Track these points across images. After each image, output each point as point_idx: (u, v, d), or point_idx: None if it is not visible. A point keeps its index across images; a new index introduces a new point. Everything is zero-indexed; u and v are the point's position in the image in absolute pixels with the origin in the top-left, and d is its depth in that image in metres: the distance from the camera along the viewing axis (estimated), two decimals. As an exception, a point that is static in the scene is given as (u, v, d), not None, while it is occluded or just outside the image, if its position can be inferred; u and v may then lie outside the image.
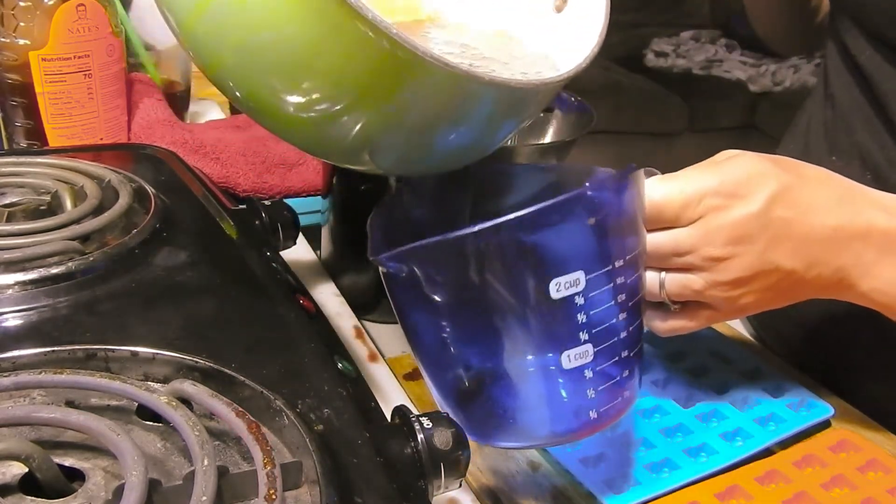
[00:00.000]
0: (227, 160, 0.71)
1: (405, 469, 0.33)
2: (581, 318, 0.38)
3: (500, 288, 0.38)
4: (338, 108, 0.37)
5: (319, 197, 0.69)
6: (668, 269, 0.46)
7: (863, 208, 0.46)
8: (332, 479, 0.29)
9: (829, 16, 0.70)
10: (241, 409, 0.31)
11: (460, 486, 0.36)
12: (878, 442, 0.53)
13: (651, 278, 0.46)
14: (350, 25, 0.33)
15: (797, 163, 0.47)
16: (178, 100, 0.85)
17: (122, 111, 0.72)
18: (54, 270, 0.38)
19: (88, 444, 0.30)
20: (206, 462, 0.27)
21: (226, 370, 0.33)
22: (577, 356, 0.39)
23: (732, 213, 0.43)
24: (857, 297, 0.47)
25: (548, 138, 0.80)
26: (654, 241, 0.44)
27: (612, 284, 0.39)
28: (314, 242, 0.68)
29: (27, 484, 0.28)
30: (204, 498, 0.26)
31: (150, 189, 0.48)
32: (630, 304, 0.41)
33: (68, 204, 0.45)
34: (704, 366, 0.57)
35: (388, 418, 0.36)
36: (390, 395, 0.52)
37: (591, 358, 0.39)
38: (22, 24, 0.62)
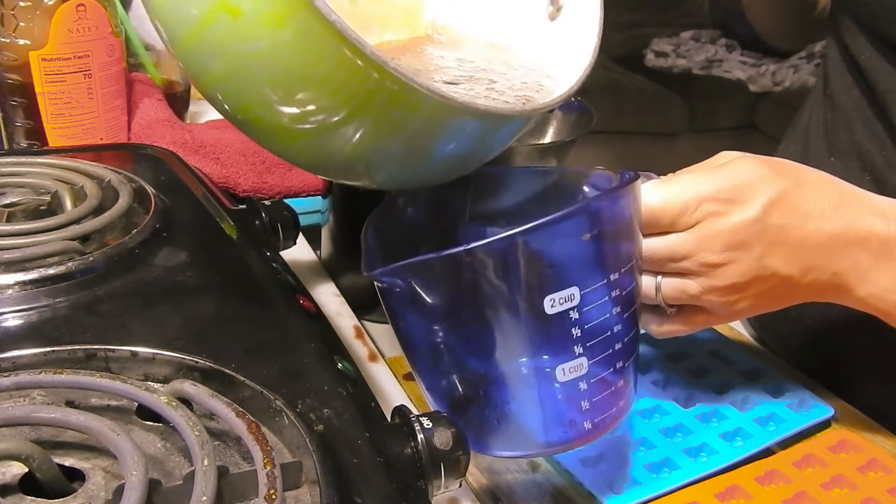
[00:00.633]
0: (227, 160, 0.71)
1: (405, 469, 0.33)
2: (576, 332, 0.38)
3: (493, 303, 0.38)
4: (329, 123, 0.37)
5: (319, 197, 0.69)
6: (664, 274, 0.46)
7: (861, 214, 0.45)
8: (332, 479, 0.29)
9: (830, 15, 0.70)
10: (241, 409, 0.31)
11: (460, 486, 0.36)
12: (878, 442, 0.53)
13: (647, 282, 0.46)
14: (339, 53, 0.33)
15: (796, 166, 0.47)
16: (178, 100, 0.85)
17: (122, 111, 0.72)
18: (54, 270, 0.38)
19: (88, 444, 0.30)
20: (206, 462, 0.27)
21: (226, 370, 0.33)
22: (571, 369, 0.39)
23: (730, 220, 0.43)
24: (854, 302, 0.47)
25: (548, 138, 0.80)
26: (651, 246, 0.44)
27: (607, 297, 0.39)
28: (314, 242, 0.68)
29: (27, 484, 0.28)
30: (204, 498, 0.26)
31: (150, 189, 0.48)
32: (625, 315, 0.41)
33: (68, 204, 0.45)
34: (704, 366, 0.57)
35: (388, 418, 0.36)
36: (390, 395, 0.52)
37: (586, 370, 0.39)
38: (22, 24, 0.62)
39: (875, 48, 0.61)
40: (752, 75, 3.06)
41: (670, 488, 0.46)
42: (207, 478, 0.27)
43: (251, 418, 0.30)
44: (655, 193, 0.44)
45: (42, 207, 0.45)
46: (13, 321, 0.36)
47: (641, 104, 2.85)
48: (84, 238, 0.42)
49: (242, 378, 0.33)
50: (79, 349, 0.34)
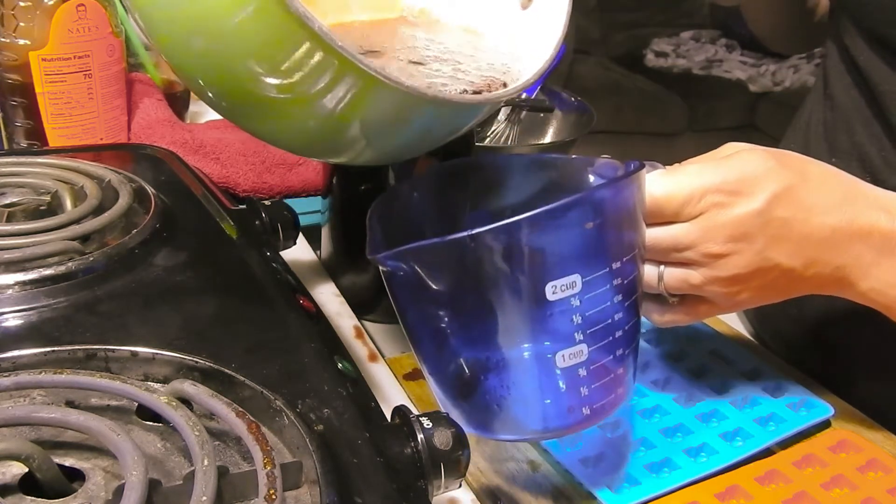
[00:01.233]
0: (227, 160, 0.71)
1: (405, 469, 0.33)
2: (576, 319, 0.39)
3: (496, 289, 0.38)
4: (291, 101, 0.37)
5: (319, 197, 0.69)
6: (667, 263, 0.46)
7: (865, 208, 0.46)
8: (332, 479, 0.29)
9: (829, 16, 0.70)
10: (241, 409, 0.31)
11: (460, 486, 0.36)
12: (878, 442, 0.53)
13: (650, 271, 0.46)
14: (292, 30, 0.34)
15: (802, 159, 0.47)
16: (178, 100, 0.85)
17: (122, 111, 0.72)
18: (54, 270, 0.38)
19: (88, 444, 0.30)
20: (206, 462, 0.27)
21: (226, 370, 0.33)
22: (571, 356, 0.39)
23: (734, 211, 0.43)
24: (856, 296, 0.47)
25: (548, 138, 0.80)
26: (654, 235, 0.44)
27: (608, 286, 0.39)
28: (314, 242, 0.68)
29: (27, 484, 0.28)
30: (204, 498, 0.26)
31: (150, 189, 0.48)
32: (626, 303, 0.41)
33: (68, 204, 0.45)
34: (704, 366, 0.57)
35: (388, 418, 0.36)
36: (390, 395, 0.52)
37: (586, 357, 0.40)
38: (22, 24, 0.62)
39: (874, 49, 0.61)
40: (752, 75, 3.07)
41: (670, 488, 0.46)
42: (207, 478, 0.27)
43: (251, 418, 0.30)
44: (660, 183, 0.44)
45: (42, 207, 0.45)
46: (13, 321, 0.36)
47: (641, 104, 2.86)
48: (84, 238, 0.42)
49: (242, 378, 0.33)
50: (79, 349, 0.34)
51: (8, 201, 0.45)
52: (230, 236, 0.47)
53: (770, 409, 0.53)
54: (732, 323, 0.67)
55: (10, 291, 0.37)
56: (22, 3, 0.62)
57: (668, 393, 0.54)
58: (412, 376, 0.56)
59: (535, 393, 0.41)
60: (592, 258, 0.39)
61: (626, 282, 0.40)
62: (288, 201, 0.57)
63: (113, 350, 0.34)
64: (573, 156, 0.51)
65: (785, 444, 0.51)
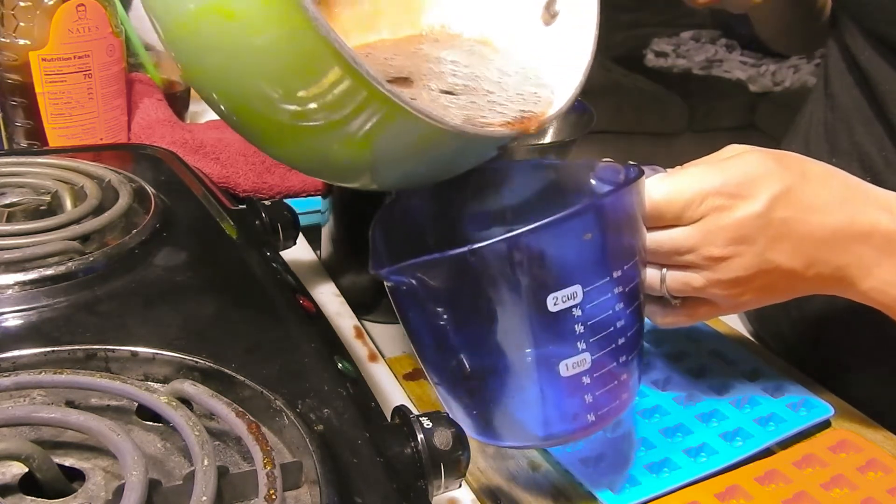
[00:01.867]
0: (227, 160, 0.71)
1: (405, 469, 0.33)
2: (579, 328, 0.39)
3: (497, 301, 0.39)
4: (318, 130, 0.37)
5: (319, 197, 0.69)
6: (669, 266, 0.46)
7: (866, 208, 0.46)
8: (332, 479, 0.29)
9: (831, 15, 0.70)
10: (241, 409, 0.31)
11: (460, 486, 0.36)
12: (878, 442, 0.53)
13: (652, 274, 0.46)
14: (333, 69, 0.33)
15: (802, 160, 0.47)
16: (178, 100, 0.85)
17: (122, 111, 0.72)
18: (54, 270, 0.38)
19: (88, 444, 0.30)
20: (206, 462, 0.27)
21: (226, 370, 0.33)
22: (574, 364, 0.39)
23: (734, 214, 0.43)
24: (857, 295, 0.48)
25: (548, 138, 0.80)
26: (656, 239, 0.45)
27: (610, 294, 0.39)
28: (314, 242, 0.68)
29: (27, 484, 0.28)
30: (204, 498, 0.26)
31: (150, 189, 0.48)
32: (629, 310, 0.41)
33: (68, 204, 0.45)
34: (704, 366, 0.57)
35: (388, 418, 0.36)
36: (390, 395, 0.52)
37: (589, 365, 0.40)
38: (22, 24, 0.62)
39: (874, 48, 0.61)
40: (752, 75, 3.07)
41: (670, 488, 0.46)
42: (207, 478, 0.27)
43: (251, 418, 0.30)
44: (660, 188, 0.44)
45: (42, 207, 0.45)
46: (13, 321, 0.36)
47: (641, 104, 2.85)
48: (84, 238, 0.42)
49: (242, 378, 0.33)
50: (79, 349, 0.34)
51: (8, 201, 0.45)
52: (230, 236, 0.47)
53: (770, 409, 0.53)
54: (732, 323, 0.67)
55: (10, 291, 0.37)
56: (22, 3, 0.62)
57: (668, 393, 0.54)
58: (412, 376, 0.56)
59: (540, 401, 0.41)
60: (593, 268, 0.39)
61: (627, 289, 0.40)
62: (288, 201, 0.57)
63: (113, 350, 0.34)
64: (575, 160, 0.51)
65: (785, 444, 0.51)
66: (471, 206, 0.50)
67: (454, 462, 0.34)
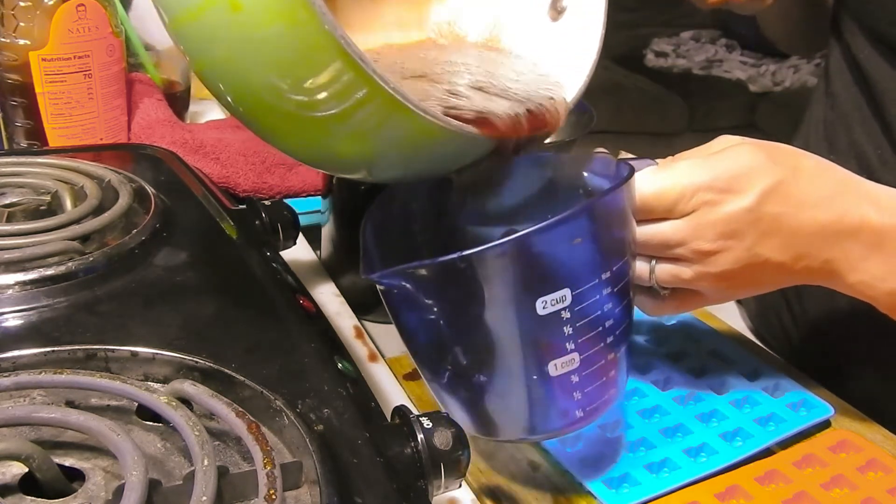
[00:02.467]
0: (227, 160, 0.71)
1: (405, 469, 0.33)
2: (567, 330, 0.39)
3: (487, 305, 0.39)
4: (322, 126, 0.37)
5: (319, 197, 0.69)
6: (658, 258, 0.46)
7: (857, 203, 0.46)
8: (332, 479, 0.29)
9: (832, 13, 0.70)
10: (241, 409, 0.31)
11: (460, 486, 0.36)
12: (878, 442, 0.53)
13: (641, 266, 0.46)
14: (340, 67, 0.33)
15: (794, 153, 0.47)
16: (178, 100, 0.85)
17: (122, 111, 0.72)
18: (54, 270, 0.38)
19: (88, 444, 0.30)
20: (206, 462, 0.27)
21: (226, 370, 0.33)
22: (563, 364, 0.40)
23: (724, 208, 0.44)
24: (845, 288, 0.48)
25: (548, 138, 0.80)
26: (646, 233, 0.45)
27: (598, 296, 0.40)
28: (314, 242, 0.68)
29: (27, 484, 0.28)
30: (204, 498, 0.26)
31: (150, 189, 0.48)
32: (617, 309, 0.41)
33: (68, 204, 0.45)
34: (704, 366, 0.57)
35: (388, 418, 0.36)
36: (390, 395, 0.52)
37: (578, 364, 0.40)
38: (22, 24, 0.62)
39: (874, 47, 0.62)
40: (752, 75, 3.06)
41: (670, 488, 0.46)
42: (207, 478, 0.27)
43: (251, 418, 0.30)
44: (651, 182, 0.44)
45: (42, 207, 0.45)
46: (13, 321, 0.36)
47: (641, 104, 2.85)
48: (84, 238, 0.42)
49: (242, 378, 0.33)
50: (79, 349, 0.34)
51: (8, 201, 0.45)
52: (230, 236, 0.47)
53: (770, 409, 0.53)
54: (732, 322, 0.67)
55: (10, 291, 0.37)
56: (22, 3, 0.62)
57: (668, 393, 0.54)
58: (412, 376, 0.55)
59: (529, 400, 0.42)
60: (582, 270, 0.40)
61: (616, 288, 0.41)
62: (288, 201, 0.57)
63: (113, 350, 0.34)
64: (566, 154, 0.52)
65: (785, 444, 0.51)
66: (461, 200, 0.50)
67: (454, 462, 0.34)
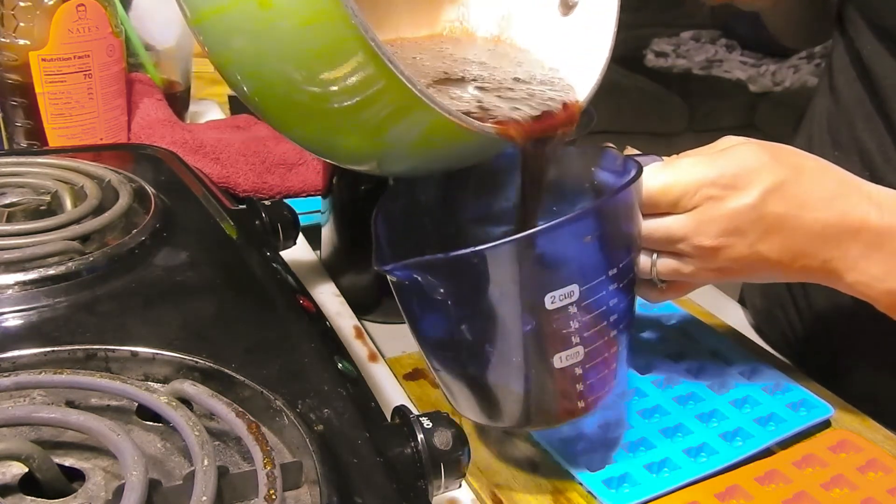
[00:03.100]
0: (227, 160, 0.71)
1: (405, 469, 0.33)
2: (574, 324, 0.40)
3: (496, 299, 0.40)
4: (344, 126, 0.37)
5: (319, 197, 0.69)
6: (659, 252, 0.47)
7: (858, 203, 0.46)
8: (332, 479, 0.29)
9: (837, 7, 0.70)
10: (241, 409, 0.31)
11: (460, 486, 0.36)
12: (878, 442, 0.53)
13: (643, 260, 0.47)
14: (371, 70, 0.33)
15: (796, 153, 0.47)
16: (178, 100, 0.85)
17: (122, 111, 0.72)
18: (54, 270, 0.38)
19: (88, 444, 0.30)
20: (206, 462, 0.27)
21: (226, 370, 0.33)
22: (568, 357, 0.41)
23: (727, 205, 0.44)
24: (843, 287, 0.48)
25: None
26: (649, 226, 0.46)
27: (605, 291, 0.41)
28: (314, 242, 0.68)
29: (27, 484, 0.28)
30: (204, 498, 0.26)
31: (150, 189, 0.48)
32: (623, 304, 0.42)
33: (68, 204, 0.45)
34: (704, 366, 0.57)
35: (388, 418, 0.36)
36: (390, 395, 0.52)
37: (582, 357, 0.41)
38: (22, 24, 0.62)
39: (879, 42, 0.61)
40: (752, 75, 3.07)
41: (670, 488, 0.46)
42: (207, 478, 0.27)
43: (251, 418, 0.30)
44: (657, 177, 0.45)
45: (42, 207, 0.45)
46: (13, 321, 0.36)
47: (641, 104, 2.85)
48: (84, 238, 0.42)
49: (242, 378, 0.33)
50: (79, 349, 0.34)
51: (8, 201, 0.45)
52: (230, 236, 0.47)
53: (770, 409, 0.53)
54: (733, 316, 0.67)
55: (10, 291, 0.37)
56: (22, 3, 0.62)
57: (669, 393, 0.54)
58: (412, 376, 0.56)
59: (533, 390, 0.43)
60: (591, 267, 0.40)
61: (622, 284, 0.42)
62: (288, 201, 0.57)
63: (113, 350, 0.34)
64: (575, 147, 0.52)
65: (785, 444, 0.51)
66: (472, 193, 0.50)
67: (454, 462, 0.34)
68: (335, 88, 0.35)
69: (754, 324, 0.76)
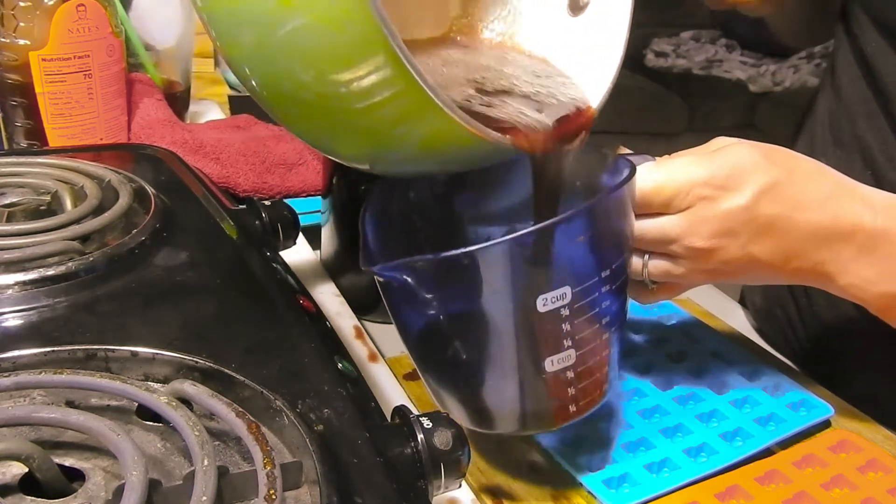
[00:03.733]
0: (227, 160, 0.71)
1: (405, 469, 0.33)
2: (565, 327, 0.40)
3: (487, 301, 0.39)
4: (353, 125, 0.37)
5: (319, 197, 0.69)
6: (651, 254, 0.47)
7: (851, 206, 0.46)
8: (332, 479, 0.29)
9: (841, 6, 0.70)
10: (241, 409, 0.31)
11: (460, 486, 0.36)
12: (878, 442, 0.53)
13: (635, 261, 0.47)
14: (396, 77, 0.33)
15: (790, 155, 0.47)
16: (178, 100, 0.85)
17: (122, 111, 0.72)
18: (54, 270, 0.38)
19: (88, 444, 0.30)
20: (206, 462, 0.27)
21: (226, 370, 0.33)
22: (559, 360, 0.40)
23: (720, 206, 0.44)
24: (835, 290, 0.48)
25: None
26: (641, 227, 0.45)
27: (597, 293, 0.40)
28: (314, 242, 0.68)
29: (27, 484, 0.28)
30: (204, 498, 0.26)
31: (150, 189, 0.48)
32: (615, 306, 0.42)
33: (68, 204, 0.45)
34: (704, 366, 0.57)
35: (388, 418, 0.36)
36: (390, 395, 0.52)
37: (573, 361, 0.41)
38: (22, 24, 0.62)
39: (882, 39, 0.61)
40: (752, 75, 3.06)
41: (670, 488, 0.46)
42: (207, 478, 0.27)
43: (251, 418, 0.30)
44: (650, 177, 0.44)
45: (42, 207, 0.45)
46: (13, 321, 0.36)
47: (641, 104, 2.85)
48: (84, 238, 0.42)
49: (242, 378, 0.33)
50: (79, 349, 0.34)
51: (8, 201, 0.45)
52: (230, 236, 0.47)
53: (770, 409, 0.53)
54: (733, 321, 0.67)
55: (10, 291, 0.37)
56: (22, 3, 0.62)
57: (668, 393, 0.54)
58: (412, 376, 0.56)
59: (525, 394, 0.42)
60: (583, 269, 0.40)
61: (614, 286, 0.41)
62: (288, 201, 0.57)
63: (113, 350, 0.34)
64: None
65: (785, 444, 0.51)
66: (463, 192, 0.50)
67: (454, 462, 0.34)
68: (350, 89, 0.34)
69: (755, 325, 0.76)
